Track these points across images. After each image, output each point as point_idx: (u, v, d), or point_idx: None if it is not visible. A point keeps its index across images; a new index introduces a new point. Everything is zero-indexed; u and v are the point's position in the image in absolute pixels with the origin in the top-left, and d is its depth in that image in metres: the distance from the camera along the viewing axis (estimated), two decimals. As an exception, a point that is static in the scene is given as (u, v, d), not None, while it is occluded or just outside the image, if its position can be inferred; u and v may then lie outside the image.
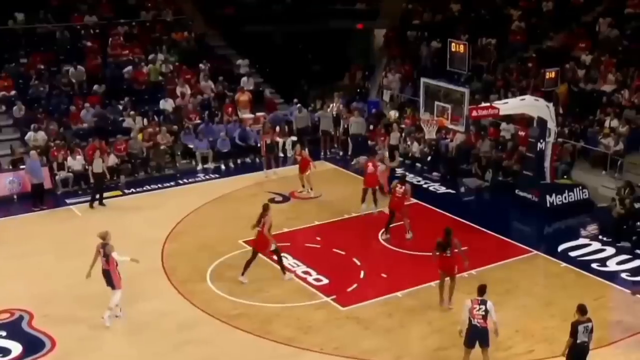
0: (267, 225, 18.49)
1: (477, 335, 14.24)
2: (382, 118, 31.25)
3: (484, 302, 14.25)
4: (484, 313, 14.15)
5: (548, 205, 23.04)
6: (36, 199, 24.59)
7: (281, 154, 29.02)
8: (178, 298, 17.95)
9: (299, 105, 30.46)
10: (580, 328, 13.25)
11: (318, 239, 21.07)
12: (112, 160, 26.33)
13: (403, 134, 29.33)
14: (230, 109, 31.20)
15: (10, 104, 29.17)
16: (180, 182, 25.97)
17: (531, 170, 23.45)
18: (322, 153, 29.66)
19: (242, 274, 18.60)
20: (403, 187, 21.00)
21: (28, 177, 24.81)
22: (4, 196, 25.15)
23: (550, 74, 23.40)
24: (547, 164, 23.19)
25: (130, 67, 32.32)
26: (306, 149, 26.71)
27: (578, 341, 13.32)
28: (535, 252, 20.40)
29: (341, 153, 30.02)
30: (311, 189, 24.83)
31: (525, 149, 24.35)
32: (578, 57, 29.02)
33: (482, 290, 14.39)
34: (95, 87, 30.78)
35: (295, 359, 15.42)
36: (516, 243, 20.97)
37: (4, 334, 16.44)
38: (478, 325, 14.16)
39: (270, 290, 18.27)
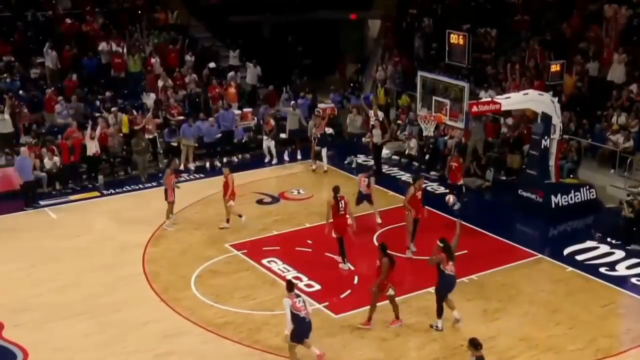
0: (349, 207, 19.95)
1: (300, 329, 15.00)
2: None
3: (298, 296, 15.14)
4: (303, 303, 14.99)
5: (553, 206, 23.05)
6: (28, 198, 24.58)
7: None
8: (161, 306, 17.92)
9: (293, 103, 30.32)
10: None
11: (309, 242, 21.06)
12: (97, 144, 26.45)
13: (399, 132, 29.39)
14: (216, 90, 31.43)
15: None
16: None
17: (535, 168, 23.40)
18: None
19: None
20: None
21: (17, 175, 24.76)
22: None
23: (556, 66, 23.41)
24: (552, 162, 23.19)
25: (109, 55, 32.37)
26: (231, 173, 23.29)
27: None
28: (540, 255, 20.45)
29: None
30: (227, 221, 22.70)
31: (529, 146, 24.37)
32: (585, 49, 29.07)
33: (289, 287, 15.21)
34: (71, 77, 30.67)
35: (286, 370, 15.44)
36: (519, 246, 21.01)
37: (-28, 346, 16.42)
38: (306, 317, 14.95)
39: (258, 297, 18.27)
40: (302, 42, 38.03)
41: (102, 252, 20.98)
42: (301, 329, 14.89)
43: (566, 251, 20.64)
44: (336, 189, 19.94)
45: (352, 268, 19.63)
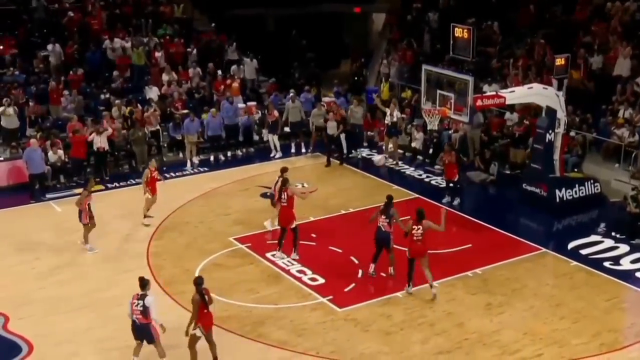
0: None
1: (138, 332, 14.76)
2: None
3: (142, 297, 14.60)
4: (141, 309, 14.54)
5: (557, 200, 23.00)
6: (35, 190, 24.62)
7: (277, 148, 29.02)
8: (165, 299, 17.87)
9: (292, 94, 30.21)
10: None
11: (313, 236, 21.03)
12: (105, 138, 26.39)
13: (405, 125, 29.37)
14: (222, 87, 31.30)
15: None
16: (167, 175, 25.86)
17: (539, 162, 23.36)
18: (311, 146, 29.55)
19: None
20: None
21: (25, 167, 24.83)
22: (-25, 191, 25.16)
23: (561, 60, 23.34)
24: (556, 156, 23.16)
25: (113, 50, 32.38)
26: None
27: None
28: (544, 249, 20.41)
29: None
30: (144, 217, 22.63)
31: (533, 140, 24.33)
32: (590, 42, 28.97)
33: (141, 283, 14.76)
34: (74, 71, 30.72)
35: (290, 364, 15.46)
36: (523, 240, 20.98)
37: (-24, 337, 16.47)
38: (137, 321, 14.63)
39: (262, 291, 18.31)
40: (306, 35, 37.98)
41: (106, 246, 20.99)
42: (133, 330, 14.90)
43: (570, 245, 20.59)
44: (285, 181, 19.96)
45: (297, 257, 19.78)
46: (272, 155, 28.67)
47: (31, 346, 16.11)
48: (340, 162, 27.76)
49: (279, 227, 20.33)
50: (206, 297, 14.58)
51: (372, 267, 18.70)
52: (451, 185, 23.72)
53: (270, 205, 21.79)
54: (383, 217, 18.13)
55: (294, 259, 19.75)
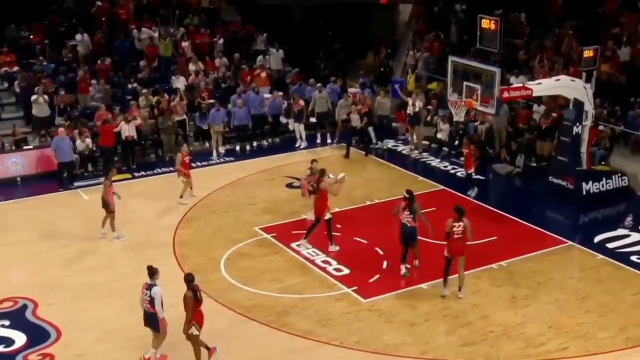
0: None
1: (147, 320, 14.84)
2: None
3: (150, 287, 14.61)
4: (149, 298, 14.57)
5: (584, 193, 22.87)
6: (64, 178, 24.83)
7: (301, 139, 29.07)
8: (190, 288, 18.06)
9: (318, 84, 30.21)
10: None
11: (338, 226, 20.95)
12: (132, 128, 26.51)
13: (431, 116, 29.35)
14: (248, 78, 31.36)
15: (13, 81, 29.50)
16: (193, 164, 25.95)
17: (566, 155, 23.20)
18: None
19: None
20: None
21: (54, 156, 25.02)
22: (7, 178, 25.37)
23: (589, 52, 23.17)
24: (583, 149, 23.00)
25: (140, 40, 32.54)
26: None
27: None
28: (570, 243, 20.30)
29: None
30: (191, 188, 23.63)
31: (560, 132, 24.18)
32: (619, 34, 28.73)
33: (150, 272, 14.77)
34: (102, 60, 30.90)
35: (313, 353, 15.48)
36: (549, 233, 20.86)
37: (7, 323, 16.63)
38: (146, 310, 14.71)
39: (287, 281, 18.36)
40: (332, 26, 37.92)
41: (133, 234, 21.12)
42: (144, 317, 14.97)
43: (597, 239, 20.46)
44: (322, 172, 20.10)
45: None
46: (297, 145, 28.69)
47: (59, 332, 16.28)
48: (365, 153, 27.73)
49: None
50: (198, 293, 14.49)
51: (403, 268, 18.42)
52: (468, 176, 23.67)
53: (301, 196, 21.86)
54: (407, 212, 17.97)
55: (333, 251, 19.76)
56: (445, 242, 17.10)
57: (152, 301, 14.59)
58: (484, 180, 25.20)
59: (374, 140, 28.55)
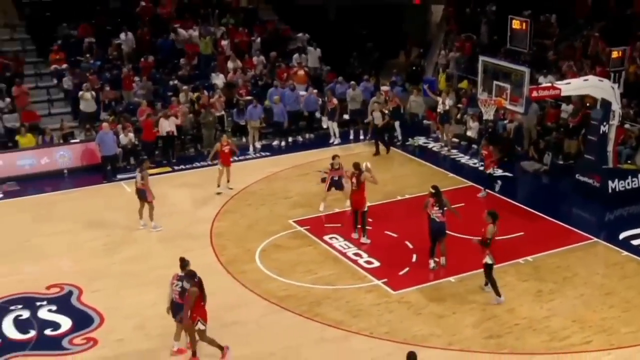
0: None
1: (175, 311, 14.72)
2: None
3: (182, 279, 14.59)
4: (180, 289, 14.53)
5: (610, 191, 22.66)
6: (107, 171, 25.10)
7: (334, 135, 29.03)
8: (227, 278, 18.16)
9: (352, 83, 30.13)
10: None
11: (370, 220, 20.89)
12: (172, 124, 26.74)
13: (459, 114, 29.24)
14: (284, 74, 31.41)
15: (62, 78, 29.83)
16: (230, 159, 26.08)
17: (593, 154, 23.02)
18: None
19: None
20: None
21: (98, 149, 25.30)
22: (54, 170, 25.67)
23: (617, 53, 22.93)
24: (610, 147, 22.79)
25: (181, 38, 32.72)
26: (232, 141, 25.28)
27: None
28: (595, 239, 20.11)
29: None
30: (228, 180, 23.87)
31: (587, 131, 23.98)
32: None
33: (182, 264, 14.82)
34: (145, 58, 31.16)
35: (344, 343, 15.49)
36: (575, 230, 20.69)
37: (54, 308, 16.87)
38: (175, 300, 14.68)
39: (320, 272, 18.40)
40: (366, 26, 37.87)
41: (172, 225, 21.27)
42: (172, 308, 14.91)
43: (622, 235, 20.26)
44: (356, 165, 20.06)
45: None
46: (331, 141, 28.67)
47: (102, 318, 16.48)
48: (387, 150, 27.56)
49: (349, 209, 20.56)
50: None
51: (431, 262, 18.41)
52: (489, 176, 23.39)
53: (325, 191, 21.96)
54: (436, 208, 17.93)
55: (365, 243, 19.82)
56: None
57: (182, 292, 14.61)
58: (512, 177, 25.11)
59: (400, 137, 28.47)
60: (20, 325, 16.26)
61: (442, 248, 18.40)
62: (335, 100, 28.73)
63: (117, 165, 25.53)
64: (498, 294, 16.76)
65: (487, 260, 16.47)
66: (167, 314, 14.99)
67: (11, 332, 16.10)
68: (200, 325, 14.48)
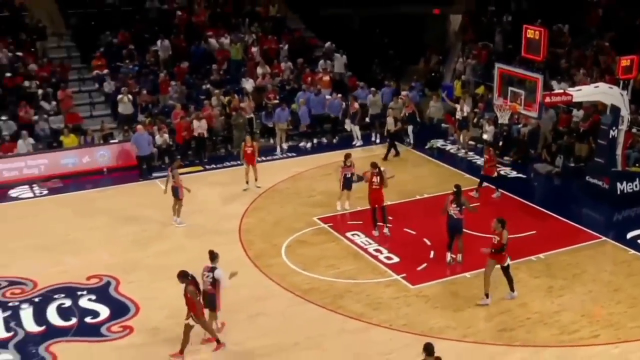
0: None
1: (206, 300, 14.84)
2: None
3: (212, 270, 14.75)
4: (211, 280, 14.73)
5: (618, 192, 22.53)
6: (143, 170, 25.29)
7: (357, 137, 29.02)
8: (254, 271, 18.24)
9: (372, 89, 30.09)
10: None
11: (390, 218, 20.93)
12: (204, 126, 26.94)
13: (476, 118, 29.14)
14: (309, 78, 31.44)
15: (103, 82, 30.09)
16: (259, 159, 26.11)
17: (603, 157, 22.93)
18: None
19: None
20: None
21: (134, 149, 25.51)
22: (95, 169, 25.92)
23: (626, 61, 22.76)
24: (618, 151, 22.66)
25: (213, 45, 32.84)
26: (256, 142, 25.48)
27: None
28: (604, 238, 20.00)
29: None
30: (256, 179, 23.97)
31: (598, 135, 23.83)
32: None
33: (211, 256, 14.97)
34: (180, 64, 31.30)
35: (365, 334, 15.53)
36: (585, 229, 20.58)
37: (93, 297, 17.07)
38: (206, 290, 14.79)
39: (341, 267, 18.42)
40: (388, 34, 37.82)
41: (203, 221, 21.40)
42: (204, 299, 14.95)
43: (629, 235, 20.13)
44: (374, 165, 20.28)
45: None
46: (353, 143, 28.64)
47: (138, 307, 16.66)
48: (396, 154, 27.21)
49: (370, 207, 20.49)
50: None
51: (449, 255, 18.44)
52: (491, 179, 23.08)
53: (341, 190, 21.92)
54: (454, 205, 17.98)
55: (387, 235, 20.05)
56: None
57: (213, 282, 14.78)
58: (525, 179, 25.02)
59: (412, 142, 28.30)
60: (63, 313, 16.47)
61: (459, 245, 18.37)
62: (357, 105, 28.74)
63: (152, 164, 25.69)
64: (512, 289, 16.71)
65: (508, 262, 16.36)
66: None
67: (55, 319, 16.32)
68: (190, 321, 14.52)
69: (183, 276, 14.52)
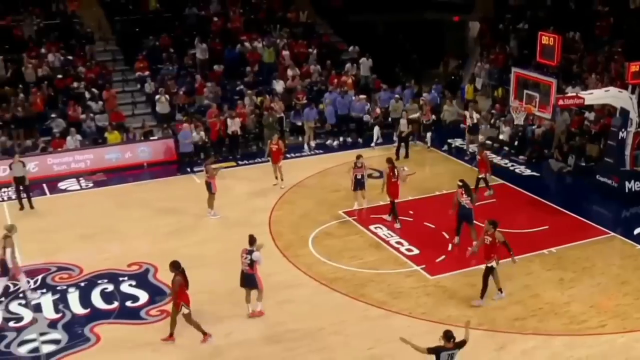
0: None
1: (245, 280, 15.41)
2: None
3: (250, 252, 15.15)
4: (249, 262, 15.16)
5: (627, 190, 22.29)
6: (185, 164, 25.36)
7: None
8: (283, 261, 18.28)
9: (396, 95, 29.71)
10: (444, 355, 11.78)
11: (411, 212, 21.00)
12: (237, 124, 26.99)
13: (493, 119, 28.95)
14: (335, 80, 31.39)
15: (144, 83, 30.37)
16: (288, 156, 26.05)
17: (612, 157, 22.73)
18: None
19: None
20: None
21: (179, 146, 25.73)
22: (136, 163, 26.10)
23: (635, 67, 22.50)
24: (627, 152, 22.42)
25: (247, 49, 32.88)
26: (283, 141, 25.14)
27: None
28: (612, 234, 19.80)
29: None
30: (282, 179, 23.62)
31: (607, 137, 23.61)
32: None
33: (250, 241, 15.37)
34: (215, 67, 31.38)
35: (386, 321, 15.54)
36: (595, 225, 20.39)
37: (133, 283, 17.23)
38: (245, 271, 15.29)
39: (365, 258, 18.42)
40: (411, 39, 37.66)
41: (235, 213, 21.46)
42: (241, 278, 15.53)
43: (636, 231, 19.89)
44: (389, 160, 20.40)
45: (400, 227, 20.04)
46: (372, 144, 28.09)
47: (175, 293, 16.73)
48: (406, 155, 26.59)
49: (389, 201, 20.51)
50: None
51: (457, 238, 18.72)
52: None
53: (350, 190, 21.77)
54: (465, 196, 18.13)
55: (398, 227, 20.09)
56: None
57: (251, 264, 15.07)
58: (539, 177, 24.83)
59: (429, 144, 27.77)
60: (106, 297, 16.66)
61: (473, 235, 18.28)
62: (378, 110, 28.48)
63: (193, 160, 25.76)
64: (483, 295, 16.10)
65: (493, 264, 15.89)
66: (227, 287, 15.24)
67: (98, 303, 16.54)
68: (184, 309, 14.59)
69: (174, 267, 14.62)
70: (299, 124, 28.91)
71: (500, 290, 16.19)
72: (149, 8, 34.13)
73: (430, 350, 11.78)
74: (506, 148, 27.69)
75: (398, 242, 19.22)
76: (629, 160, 22.53)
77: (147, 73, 30.71)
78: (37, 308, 16.35)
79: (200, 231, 20.43)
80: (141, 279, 17.51)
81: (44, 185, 24.11)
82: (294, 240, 19.54)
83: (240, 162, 26.64)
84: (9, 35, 30.88)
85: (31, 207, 22.28)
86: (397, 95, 29.66)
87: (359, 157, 21.52)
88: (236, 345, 14.74)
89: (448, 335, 11.84)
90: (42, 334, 15.34)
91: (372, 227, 20.21)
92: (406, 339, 11.98)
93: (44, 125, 27.37)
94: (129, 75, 31.22)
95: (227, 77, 31.39)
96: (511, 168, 25.75)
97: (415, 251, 18.72)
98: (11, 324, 15.73)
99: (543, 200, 22.34)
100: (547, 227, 20.03)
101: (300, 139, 28.74)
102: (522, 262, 17.63)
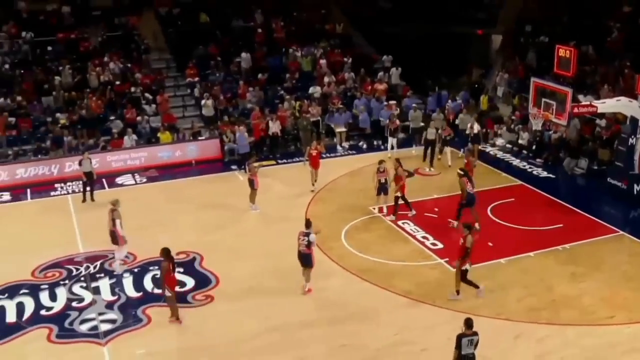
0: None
1: (301, 258, 15.84)
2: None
3: (307, 235, 15.69)
4: (306, 242, 15.66)
5: (635, 192, 21.97)
6: (242, 163, 24.99)
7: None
8: (318, 252, 18.02)
9: (414, 105, 29.15)
10: (465, 341, 11.75)
11: (436, 209, 20.94)
12: (277, 126, 27.18)
13: (513, 125, 28.69)
14: (369, 87, 31.35)
15: (194, 88, 30.60)
16: (324, 156, 26.08)
17: (622, 161, 22.46)
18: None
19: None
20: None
21: (237, 146, 25.90)
22: (185, 161, 26.33)
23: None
24: (636, 157, 22.05)
25: (287, 57, 33.03)
26: (321, 145, 24.56)
27: (463, 353, 11.78)
28: (622, 232, 19.56)
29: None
30: (316, 180, 23.23)
31: (618, 142, 23.30)
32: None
33: (307, 224, 15.96)
34: (260, 75, 31.51)
35: (412, 309, 15.54)
36: (605, 224, 20.14)
37: (181, 270, 17.31)
38: (301, 251, 15.76)
39: (393, 251, 18.39)
40: (438, 50, 37.42)
41: (274, 208, 21.55)
42: (299, 258, 16.00)
43: (645, 230, 19.71)
44: (397, 160, 20.79)
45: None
46: (388, 154, 26.09)
47: (218, 280, 16.93)
48: (430, 165, 25.71)
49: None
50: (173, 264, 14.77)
51: (455, 223, 19.24)
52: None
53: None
54: (470, 184, 18.98)
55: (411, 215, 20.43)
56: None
57: (308, 245, 15.53)
58: (554, 178, 24.57)
59: (449, 164, 25.87)
60: (157, 282, 16.75)
61: (476, 217, 19.00)
62: (397, 122, 27.45)
63: (246, 159, 25.56)
64: (461, 288, 15.82)
65: (467, 267, 15.61)
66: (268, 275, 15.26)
67: (150, 287, 16.73)
68: (167, 292, 14.79)
69: (164, 253, 14.74)
70: (333, 126, 28.91)
71: (457, 292, 15.79)
72: (199, 21, 34.39)
73: (456, 345, 11.85)
74: (524, 151, 27.45)
75: (424, 237, 19.16)
76: (637, 164, 22.18)
77: (196, 79, 30.94)
78: (96, 290, 16.63)
79: (242, 224, 20.55)
80: (188, 267, 17.67)
81: (104, 180, 24.41)
82: (328, 233, 19.39)
83: (279, 161, 26.72)
84: (75, 47, 31.49)
85: (92, 199, 22.63)
86: (414, 105, 29.05)
87: (381, 162, 21.06)
88: (274, 330, 14.82)
89: (469, 323, 11.84)
90: (100, 314, 15.63)
91: (400, 222, 20.18)
92: None
93: (105, 126, 27.81)
94: (180, 81, 31.50)
95: (269, 83, 31.53)
96: (529, 170, 25.51)
97: (440, 245, 18.65)
98: (74, 304, 16.03)
99: (558, 201, 22.12)
100: (561, 225, 19.83)
101: (334, 139, 28.74)
102: (538, 258, 17.58)
